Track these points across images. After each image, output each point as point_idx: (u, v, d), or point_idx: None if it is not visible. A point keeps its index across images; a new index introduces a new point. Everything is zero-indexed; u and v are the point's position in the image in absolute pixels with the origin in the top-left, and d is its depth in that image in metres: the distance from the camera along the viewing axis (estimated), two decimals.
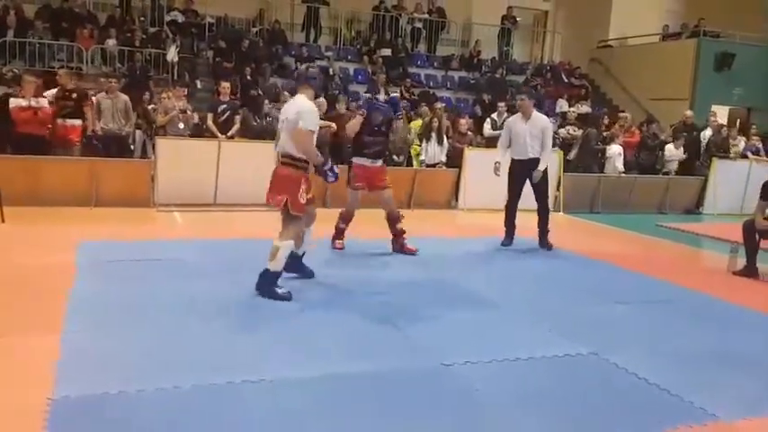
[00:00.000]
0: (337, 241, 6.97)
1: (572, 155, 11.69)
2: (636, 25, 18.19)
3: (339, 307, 5.06)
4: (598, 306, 5.52)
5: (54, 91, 9.13)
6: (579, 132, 11.98)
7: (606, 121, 13.10)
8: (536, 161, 7.52)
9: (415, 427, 3.24)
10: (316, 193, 5.65)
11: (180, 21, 15.27)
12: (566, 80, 18.00)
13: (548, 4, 19.91)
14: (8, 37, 13.00)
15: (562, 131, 12.09)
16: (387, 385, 3.67)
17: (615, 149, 11.64)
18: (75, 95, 9.17)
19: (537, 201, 7.72)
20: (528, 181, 7.59)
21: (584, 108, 15.24)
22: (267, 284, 5.08)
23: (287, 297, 5.05)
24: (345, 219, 6.94)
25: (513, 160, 7.71)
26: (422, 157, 10.99)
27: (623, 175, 11.55)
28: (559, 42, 19.89)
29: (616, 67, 18.70)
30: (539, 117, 7.65)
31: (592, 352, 4.32)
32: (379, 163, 6.91)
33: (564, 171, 10.94)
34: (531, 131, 7.47)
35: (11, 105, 8.60)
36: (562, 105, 15.72)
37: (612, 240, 8.91)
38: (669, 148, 12.14)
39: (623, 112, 14.14)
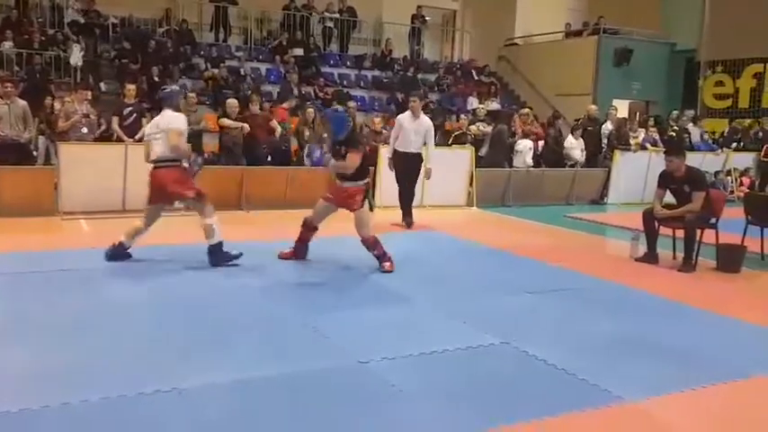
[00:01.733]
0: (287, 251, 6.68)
1: (483, 151, 12.00)
2: (540, 24, 18.84)
3: (252, 310, 5.03)
4: (509, 297, 5.70)
5: None
6: (489, 129, 12.29)
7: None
8: (418, 156, 8.73)
9: (333, 428, 3.25)
10: None
11: (81, 21, 14.68)
12: (475, 78, 18.42)
13: (456, 4, 20.31)
14: None
15: (473, 128, 12.39)
16: (303, 387, 3.67)
17: (526, 144, 12.01)
18: None
19: (407, 187, 8.88)
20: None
21: (494, 105, 15.65)
22: (217, 255, 6.05)
23: (238, 255, 6.11)
24: (304, 224, 6.58)
25: (397, 152, 8.79)
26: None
27: (532, 169, 11.93)
28: (468, 41, 20.33)
29: (523, 65, 19.30)
30: (425, 118, 8.85)
31: (503, 341, 4.46)
32: (347, 184, 6.31)
33: (476, 166, 11.20)
34: (417, 130, 8.62)
35: None
36: (472, 102, 16.09)
37: (523, 232, 9.20)
38: (569, 140, 12.64)
39: (530, 108, 14.61)
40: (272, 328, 4.62)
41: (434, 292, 5.72)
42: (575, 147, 12.53)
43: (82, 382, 3.57)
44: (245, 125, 10.32)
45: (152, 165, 6.16)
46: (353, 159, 6.15)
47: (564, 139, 12.77)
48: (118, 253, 6.14)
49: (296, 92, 14.41)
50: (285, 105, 12.28)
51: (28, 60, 12.99)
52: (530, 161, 11.94)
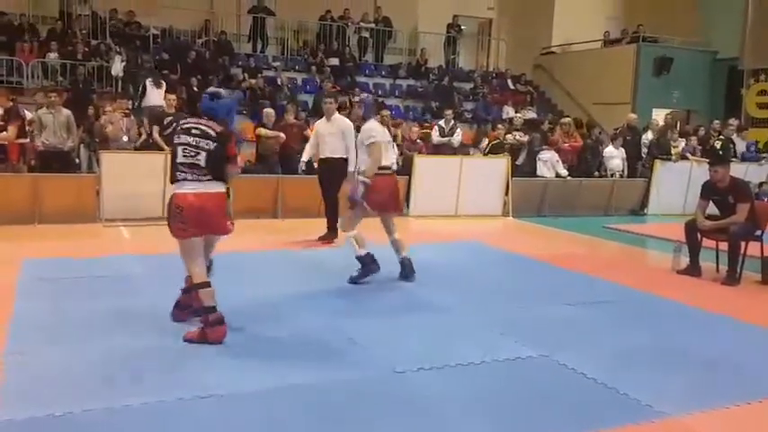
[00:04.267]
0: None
1: (520, 160, 11.89)
2: (578, 32, 18.66)
3: (288, 317, 5.03)
4: (547, 308, 5.61)
5: None
6: (526, 138, 12.19)
7: (548, 126, 13.38)
8: (339, 161, 7.79)
9: None
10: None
11: (124, 33, 15.00)
12: (511, 87, 18.31)
13: (492, 13, 20.24)
14: None
15: (509, 137, 12.28)
16: (340, 395, 3.66)
17: (547, 156, 11.78)
18: (7, 113, 8.93)
19: (329, 196, 8.11)
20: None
21: (530, 114, 15.52)
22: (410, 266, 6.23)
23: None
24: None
25: (320, 159, 8.10)
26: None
27: (569, 178, 11.79)
28: (504, 50, 20.25)
29: (560, 73, 19.13)
30: (341, 119, 7.99)
31: (541, 354, 4.39)
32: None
33: (512, 176, 11.11)
34: (332, 132, 7.84)
35: None
36: (508, 111, 15.99)
37: (561, 243, 9.08)
38: (609, 149, 12.45)
39: (567, 116, 14.45)
40: (307, 336, 4.62)
41: (470, 303, 5.65)
42: (615, 156, 12.33)
43: (122, 387, 3.61)
44: (282, 134, 10.42)
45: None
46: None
47: (603, 148, 12.59)
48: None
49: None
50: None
51: (72, 71, 13.30)
52: (562, 171, 11.77)
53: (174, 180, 4.44)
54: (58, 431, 3.15)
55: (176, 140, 4.46)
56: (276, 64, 16.13)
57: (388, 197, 6.22)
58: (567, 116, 14.32)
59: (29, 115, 9.59)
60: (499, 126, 12.96)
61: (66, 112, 9.39)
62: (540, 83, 19.55)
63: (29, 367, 3.85)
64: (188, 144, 4.39)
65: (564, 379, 4.05)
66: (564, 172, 11.74)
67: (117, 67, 13.49)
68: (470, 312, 5.36)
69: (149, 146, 9.87)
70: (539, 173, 11.67)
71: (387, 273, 6.48)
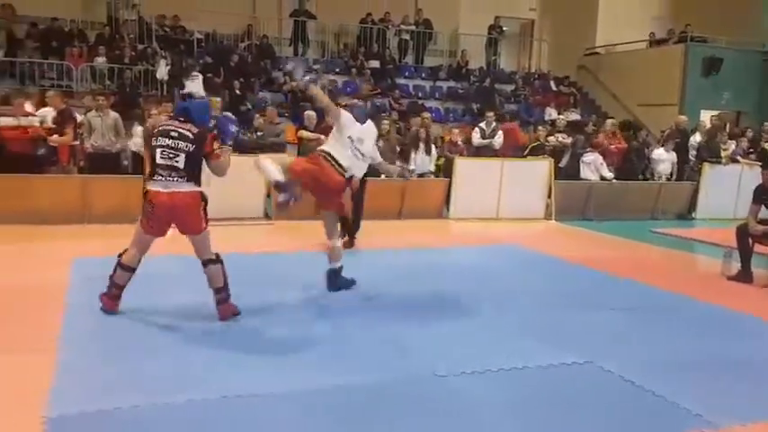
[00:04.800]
0: None
1: (563, 162, 11.73)
2: (623, 32, 18.31)
3: (329, 319, 5.04)
4: (592, 313, 5.49)
5: (46, 110, 9.13)
6: (569, 140, 12.01)
7: (592, 128, 13.14)
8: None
9: None
10: None
11: (169, 37, 15.28)
12: (554, 88, 18.09)
13: (534, 14, 20.04)
14: None
15: (551, 139, 12.12)
16: (381, 397, 3.65)
17: (590, 158, 11.58)
18: (61, 115, 9.16)
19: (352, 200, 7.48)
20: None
21: (573, 115, 15.30)
22: (334, 280, 5.67)
23: (353, 281, 5.72)
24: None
25: None
26: (412, 167, 10.91)
27: (615, 181, 11.58)
28: (546, 51, 20.02)
29: (604, 75, 18.81)
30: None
31: (586, 360, 4.30)
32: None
33: (555, 178, 10.96)
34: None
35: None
36: (551, 113, 15.79)
37: (605, 247, 8.91)
38: (658, 152, 12.17)
39: (612, 118, 14.20)
40: (350, 337, 4.62)
41: (512, 307, 5.58)
42: (664, 159, 12.05)
43: (168, 384, 3.66)
44: (322, 136, 10.40)
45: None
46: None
47: (650, 151, 12.34)
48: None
49: (369, 104, 14.54)
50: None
51: (119, 74, 13.60)
52: (607, 173, 11.55)
53: (150, 179, 4.61)
54: (107, 426, 3.21)
55: (154, 143, 4.59)
56: (317, 67, 16.22)
57: (314, 182, 5.39)
58: (612, 118, 14.09)
59: (79, 118, 9.82)
60: (540, 128, 12.80)
61: (113, 114, 9.59)
62: (584, 84, 19.26)
63: (80, 363, 3.93)
64: (167, 146, 4.50)
65: (609, 386, 3.96)
66: (609, 174, 11.52)
67: (162, 71, 13.74)
68: (512, 317, 5.29)
69: None
70: (582, 175, 11.48)
71: (425, 276, 6.46)
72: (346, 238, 7.81)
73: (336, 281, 5.75)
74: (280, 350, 4.33)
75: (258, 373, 3.93)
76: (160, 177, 4.52)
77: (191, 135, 4.56)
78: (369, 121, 5.78)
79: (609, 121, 12.90)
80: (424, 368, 4.07)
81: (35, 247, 7.20)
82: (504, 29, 18.81)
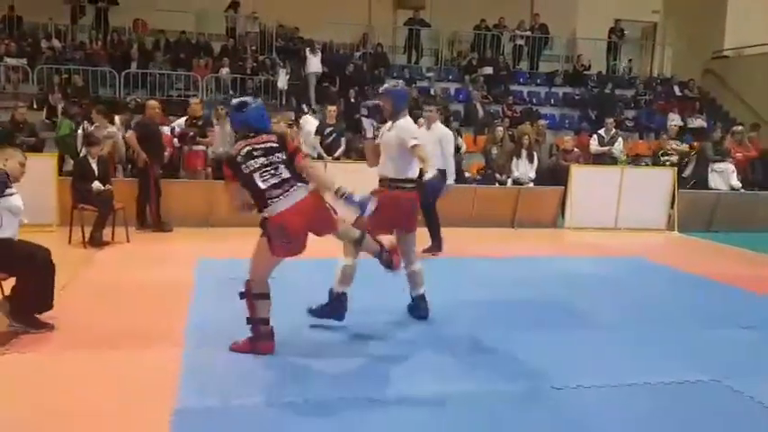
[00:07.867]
0: None
1: (688, 171, 11.16)
2: (754, 34, 17.16)
3: (446, 326, 5.03)
4: (719, 330, 5.20)
5: (182, 120, 9.74)
6: (683, 147, 11.39)
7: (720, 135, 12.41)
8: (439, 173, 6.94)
9: None
10: None
11: (288, 48, 15.85)
12: (678, 93, 17.23)
13: (657, 16, 19.19)
14: (132, 68, 13.98)
15: (674, 146, 11.57)
16: (499, 406, 3.62)
17: (722, 166, 10.92)
18: (200, 123, 9.74)
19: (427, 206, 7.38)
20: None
21: (698, 122, 14.53)
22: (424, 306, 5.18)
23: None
24: None
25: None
26: (515, 175, 10.73)
27: (744, 191, 10.87)
28: (670, 54, 19.12)
29: (733, 79, 17.71)
30: (440, 127, 7.77)
31: (713, 379, 4.08)
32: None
33: (679, 188, 10.44)
34: (430, 140, 7.01)
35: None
36: (674, 119, 15.05)
37: (734, 260, 8.38)
38: None
39: (741, 125, 13.35)
40: (469, 346, 4.62)
41: (633, 320, 5.38)
42: None
43: (298, 382, 3.81)
44: None
45: None
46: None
47: None
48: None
49: (481, 111, 14.46)
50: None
51: (242, 84, 14.26)
52: (736, 183, 10.86)
53: (264, 208, 4.12)
54: (234, 421, 3.36)
55: (245, 171, 4.09)
56: (430, 74, 16.31)
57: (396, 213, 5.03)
58: (741, 124, 13.25)
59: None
60: (663, 135, 12.24)
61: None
62: (711, 89, 18.22)
63: (206, 359, 4.14)
64: (262, 166, 4.08)
65: (738, 407, 3.74)
66: (737, 184, 10.86)
67: (282, 81, 14.28)
68: (634, 331, 5.09)
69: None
70: (712, 184, 10.87)
71: (545, 287, 6.32)
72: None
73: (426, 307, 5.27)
74: (400, 356, 4.38)
75: (386, 376, 4.00)
76: (276, 198, 4.07)
77: (274, 144, 4.18)
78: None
79: (736, 128, 12.14)
80: (541, 380, 4.00)
81: (163, 248, 7.71)
82: (626, 32, 18.14)
